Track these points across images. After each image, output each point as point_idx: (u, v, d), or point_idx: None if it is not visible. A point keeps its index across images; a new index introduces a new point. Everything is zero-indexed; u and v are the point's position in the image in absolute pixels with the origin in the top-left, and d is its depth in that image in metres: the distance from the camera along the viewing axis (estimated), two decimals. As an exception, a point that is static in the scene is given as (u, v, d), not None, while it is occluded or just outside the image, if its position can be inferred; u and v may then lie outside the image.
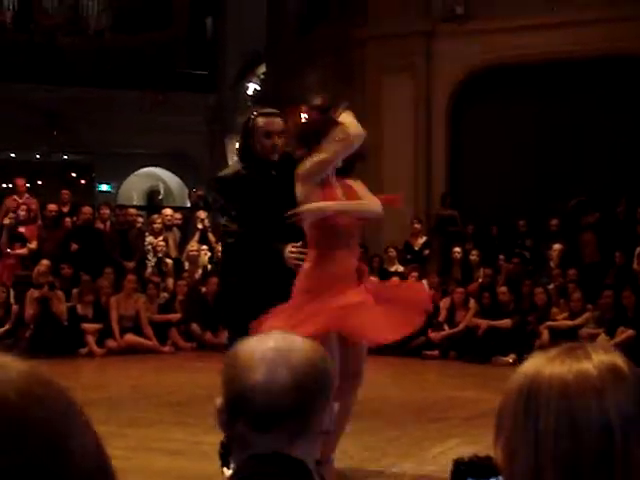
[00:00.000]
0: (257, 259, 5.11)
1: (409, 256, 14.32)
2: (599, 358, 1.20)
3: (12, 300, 12.20)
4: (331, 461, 4.96)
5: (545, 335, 11.70)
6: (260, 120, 5.29)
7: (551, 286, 12.73)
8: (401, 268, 13.93)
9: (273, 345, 1.70)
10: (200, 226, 14.54)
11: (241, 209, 5.14)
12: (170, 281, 13.65)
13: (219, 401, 1.73)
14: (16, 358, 0.83)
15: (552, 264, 13.42)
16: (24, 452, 0.75)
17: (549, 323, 11.94)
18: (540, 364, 1.21)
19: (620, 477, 1.13)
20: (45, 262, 12.47)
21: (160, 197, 26.78)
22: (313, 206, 4.71)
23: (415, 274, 13.22)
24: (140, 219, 14.89)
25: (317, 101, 5.07)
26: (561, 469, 1.14)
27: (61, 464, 0.77)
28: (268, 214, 5.02)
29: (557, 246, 13.46)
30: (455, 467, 1.43)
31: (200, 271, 13.97)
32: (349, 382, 4.77)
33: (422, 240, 14.60)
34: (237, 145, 5.49)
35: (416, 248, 14.50)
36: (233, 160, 5.53)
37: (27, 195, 14.65)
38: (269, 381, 1.64)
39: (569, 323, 11.83)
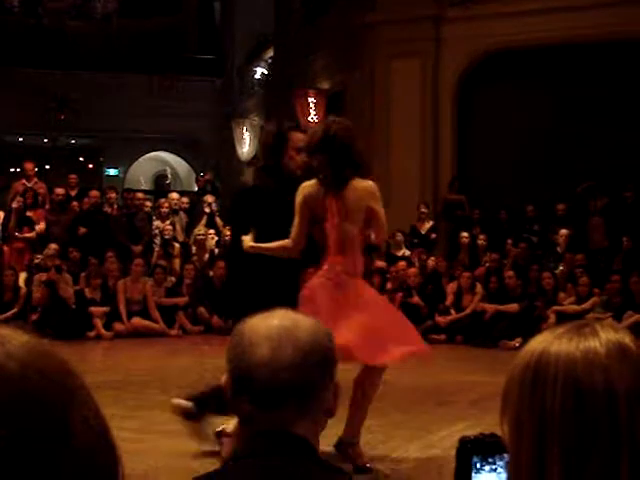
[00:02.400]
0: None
1: (416, 240, 14.31)
2: (607, 336, 1.21)
3: (22, 283, 12.23)
4: (356, 443, 5.04)
5: (552, 319, 11.68)
6: (294, 135, 5.29)
7: (558, 270, 12.72)
8: (408, 252, 13.93)
9: (278, 323, 1.70)
10: (207, 210, 14.55)
11: (267, 224, 5.23)
12: (177, 265, 13.67)
13: (224, 378, 1.74)
14: (17, 330, 0.84)
15: (559, 249, 13.41)
16: (25, 421, 0.75)
17: (556, 307, 11.93)
18: (547, 341, 1.21)
19: (626, 451, 1.14)
20: (53, 246, 12.50)
21: (167, 181, 26.79)
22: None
23: (423, 257, 13.26)
24: (148, 203, 14.89)
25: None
26: (567, 444, 1.15)
27: (61, 434, 0.77)
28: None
29: (564, 231, 13.44)
30: (461, 445, 1.44)
31: (207, 255, 13.98)
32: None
33: (429, 224, 14.59)
34: (259, 155, 5.47)
35: (423, 232, 14.49)
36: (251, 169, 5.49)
37: (35, 179, 14.66)
38: (274, 359, 1.65)
39: (576, 308, 11.82)
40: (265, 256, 5.14)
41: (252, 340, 1.68)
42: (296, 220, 5.00)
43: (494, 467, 1.43)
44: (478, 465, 1.44)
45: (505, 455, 1.37)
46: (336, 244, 5.02)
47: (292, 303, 5.02)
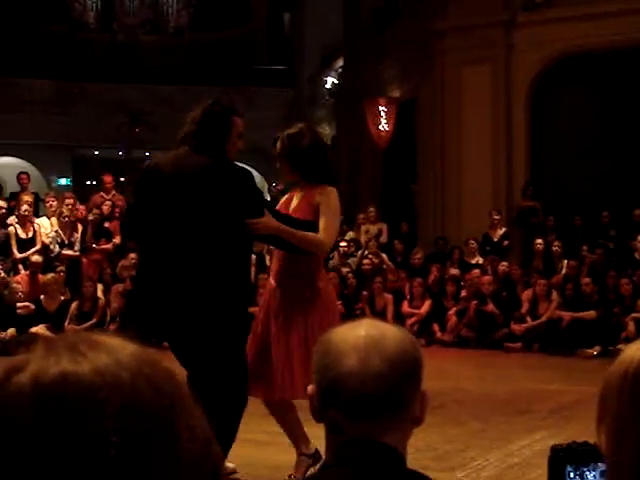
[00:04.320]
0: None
1: (488, 248, 14.19)
2: None
3: (100, 294, 12.44)
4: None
5: (631, 327, 11.47)
6: (237, 120, 4.85)
7: (637, 277, 12.47)
8: (481, 260, 13.82)
9: (365, 333, 1.70)
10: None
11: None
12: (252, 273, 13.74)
13: (310, 388, 1.75)
14: (126, 340, 0.86)
15: (637, 255, 13.16)
16: (135, 429, 0.77)
17: (635, 315, 11.70)
18: None
19: None
20: (132, 255, 12.70)
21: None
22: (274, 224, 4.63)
23: (496, 264, 13.15)
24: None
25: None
26: None
27: (168, 443, 0.79)
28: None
29: (642, 237, 13.19)
30: (553, 454, 1.42)
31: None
32: None
33: (501, 231, 14.45)
34: (198, 134, 4.83)
35: (495, 239, 14.35)
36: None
37: (114, 192, 14.86)
38: (362, 369, 1.65)
39: (656, 315, 11.59)
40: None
41: (340, 350, 1.68)
42: (335, 220, 4.86)
43: (588, 476, 1.41)
44: (572, 474, 1.42)
45: (600, 464, 1.36)
46: None
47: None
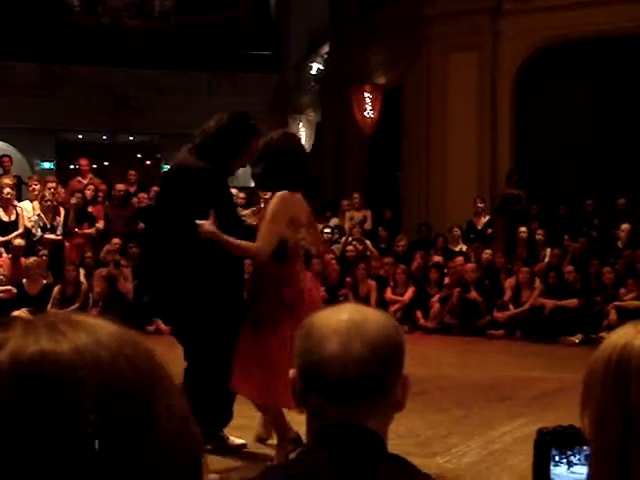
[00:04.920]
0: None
1: (472, 235, 14.23)
2: None
3: (82, 278, 12.41)
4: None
5: (613, 315, 11.54)
6: (254, 144, 5.14)
7: (619, 266, 12.54)
8: (465, 247, 13.86)
9: (347, 317, 1.70)
10: (263, 205, 14.59)
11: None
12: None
13: (292, 372, 1.74)
14: (106, 320, 0.86)
15: (620, 244, 13.22)
16: (113, 408, 0.77)
17: (617, 303, 11.76)
18: (629, 335, 1.20)
19: None
20: (116, 240, 12.69)
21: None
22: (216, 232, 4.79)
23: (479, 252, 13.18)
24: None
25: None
26: None
27: (146, 421, 0.79)
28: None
29: (625, 226, 13.24)
30: (539, 437, 1.42)
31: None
32: None
33: (485, 219, 14.48)
34: (212, 139, 5.09)
35: (479, 227, 14.39)
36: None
37: (90, 175, 14.87)
38: (344, 353, 1.64)
39: (637, 303, 11.64)
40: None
41: (322, 334, 1.67)
42: (272, 227, 4.78)
43: (573, 460, 1.41)
44: (557, 458, 1.42)
45: (585, 448, 1.36)
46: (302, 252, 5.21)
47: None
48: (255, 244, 4.79)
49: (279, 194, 4.86)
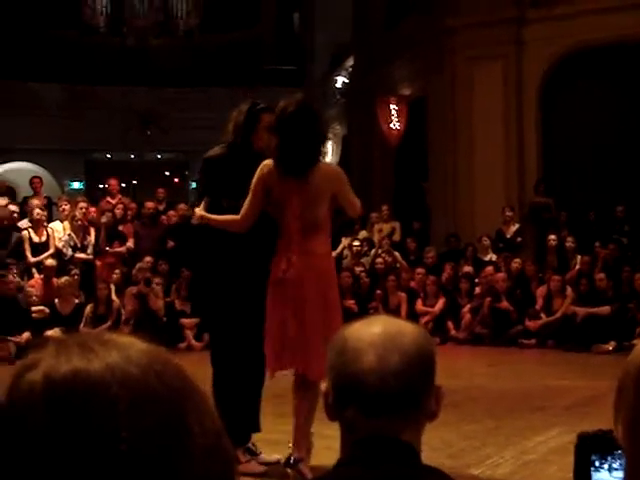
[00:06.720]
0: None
1: (501, 245, 14.16)
2: None
3: (114, 297, 12.48)
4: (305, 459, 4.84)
5: (646, 322, 11.44)
6: (266, 116, 5.24)
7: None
8: (495, 257, 13.80)
9: (381, 330, 1.70)
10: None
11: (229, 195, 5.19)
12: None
13: (324, 386, 1.74)
14: (136, 338, 0.87)
15: (652, 249, 13.12)
16: (144, 424, 0.77)
17: (650, 310, 11.66)
18: None
19: None
20: (148, 258, 12.76)
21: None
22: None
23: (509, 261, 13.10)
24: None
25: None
26: None
27: (178, 437, 0.79)
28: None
29: (657, 231, 13.14)
30: (579, 442, 1.41)
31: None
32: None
33: (514, 228, 14.41)
34: (230, 131, 5.37)
35: (508, 236, 14.32)
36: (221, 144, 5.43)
37: (120, 196, 14.94)
38: (381, 366, 1.64)
39: (671, 309, 11.54)
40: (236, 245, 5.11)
41: (357, 348, 1.67)
42: (249, 197, 4.90)
43: (614, 465, 1.39)
44: (597, 463, 1.40)
45: None
46: (296, 232, 4.83)
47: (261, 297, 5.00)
48: (357, 206, 4.98)
49: (339, 168, 5.17)
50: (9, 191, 15.12)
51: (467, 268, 13.57)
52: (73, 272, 12.43)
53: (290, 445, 4.83)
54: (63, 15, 24.25)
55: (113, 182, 15.13)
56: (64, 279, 12.06)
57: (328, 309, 4.76)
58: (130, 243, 13.60)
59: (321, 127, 5.11)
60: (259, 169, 4.89)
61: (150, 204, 14.33)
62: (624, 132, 14.87)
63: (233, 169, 5.24)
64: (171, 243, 13.51)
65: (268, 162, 4.88)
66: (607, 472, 1.39)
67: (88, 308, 12.17)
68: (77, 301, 12.21)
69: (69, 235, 12.93)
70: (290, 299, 4.79)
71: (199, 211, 5.13)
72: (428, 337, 1.76)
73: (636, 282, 12.03)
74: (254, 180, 4.88)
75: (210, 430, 0.82)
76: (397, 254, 14.08)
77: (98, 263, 13.22)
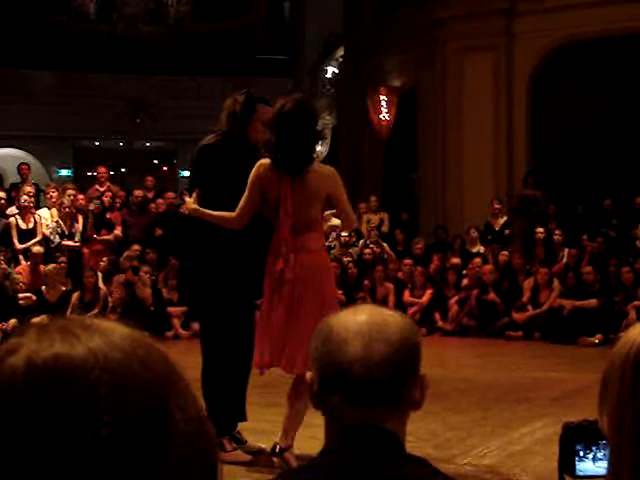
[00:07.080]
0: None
1: (489, 236, 14.19)
2: None
3: (101, 284, 12.46)
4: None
5: (632, 315, 11.47)
6: (260, 107, 5.26)
7: (638, 265, 12.47)
8: (482, 249, 13.82)
9: (367, 319, 1.70)
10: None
11: (221, 186, 5.15)
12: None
13: (309, 375, 1.74)
14: (119, 323, 0.86)
15: (639, 243, 13.15)
16: (127, 409, 0.77)
17: (636, 303, 11.70)
18: None
19: None
20: (136, 247, 12.74)
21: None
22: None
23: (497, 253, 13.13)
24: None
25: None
26: None
27: (161, 422, 0.79)
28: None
29: (644, 225, 13.18)
30: (564, 431, 1.41)
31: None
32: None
33: (502, 220, 14.44)
34: (224, 120, 5.31)
35: (496, 228, 14.35)
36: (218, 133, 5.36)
37: (108, 184, 14.91)
38: (367, 355, 1.65)
39: (657, 303, 11.59)
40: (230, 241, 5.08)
41: (342, 337, 1.67)
42: (245, 196, 4.87)
43: (598, 455, 1.40)
44: (581, 453, 1.41)
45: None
46: (289, 230, 4.80)
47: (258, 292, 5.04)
48: (351, 217, 5.00)
49: (333, 169, 5.04)
50: (-4, 178, 15.08)
51: (455, 260, 13.59)
52: (60, 259, 12.39)
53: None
54: (53, 1, 24.14)
55: (102, 170, 15.10)
56: (51, 266, 12.03)
57: (326, 305, 4.75)
58: (118, 231, 13.58)
59: (318, 127, 5.06)
60: (255, 168, 4.87)
61: (138, 192, 14.31)
62: (613, 125, 14.91)
63: (228, 158, 5.22)
64: (159, 231, 13.49)
65: (264, 162, 4.87)
66: (591, 462, 1.40)
67: (75, 296, 12.14)
68: (64, 288, 12.17)
69: (56, 222, 12.89)
70: (286, 297, 4.80)
71: (192, 204, 5.02)
72: (413, 326, 1.76)
73: (623, 275, 12.08)
74: (250, 179, 4.86)
75: (192, 417, 0.82)
76: (385, 245, 14.10)
77: (85, 251, 13.18)
